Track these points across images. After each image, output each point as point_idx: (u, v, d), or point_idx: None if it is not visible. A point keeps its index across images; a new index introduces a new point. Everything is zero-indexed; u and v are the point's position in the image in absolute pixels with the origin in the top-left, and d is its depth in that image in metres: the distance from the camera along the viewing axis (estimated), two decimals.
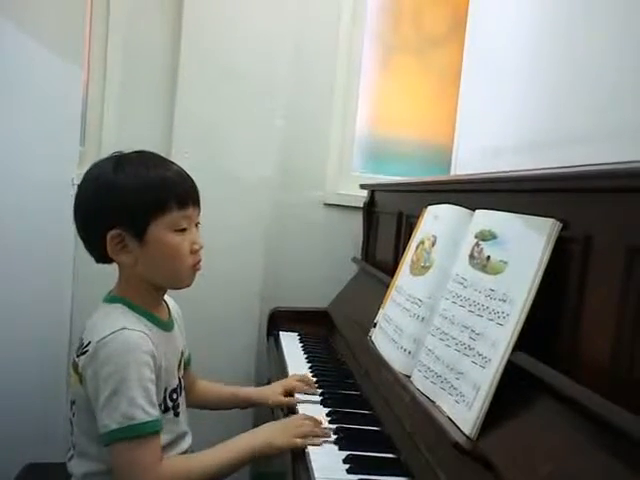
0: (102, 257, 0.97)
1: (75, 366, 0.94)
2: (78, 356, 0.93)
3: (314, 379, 1.29)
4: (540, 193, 0.89)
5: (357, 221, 1.92)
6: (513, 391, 0.79)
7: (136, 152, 0.99)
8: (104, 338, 0.89)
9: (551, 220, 0.81)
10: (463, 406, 0.85)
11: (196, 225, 1.00)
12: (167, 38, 1.96)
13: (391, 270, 1.42)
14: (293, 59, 2.00)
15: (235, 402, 1.25)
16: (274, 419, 1.14)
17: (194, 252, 0.98)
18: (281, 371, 1.39)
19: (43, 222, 1.72)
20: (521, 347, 0.80)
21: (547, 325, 0.81)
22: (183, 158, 1.82)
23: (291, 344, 1.61)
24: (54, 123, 1.74)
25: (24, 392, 1.61)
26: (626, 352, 0.67)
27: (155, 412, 0.90)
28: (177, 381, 1.02)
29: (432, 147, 2.23)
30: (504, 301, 0.85)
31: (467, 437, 0.81)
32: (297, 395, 1.21)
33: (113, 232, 0.93)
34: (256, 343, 1.98)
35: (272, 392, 1.23)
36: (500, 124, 1.72)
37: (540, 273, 0.80)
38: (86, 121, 1.96)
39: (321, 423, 1.03)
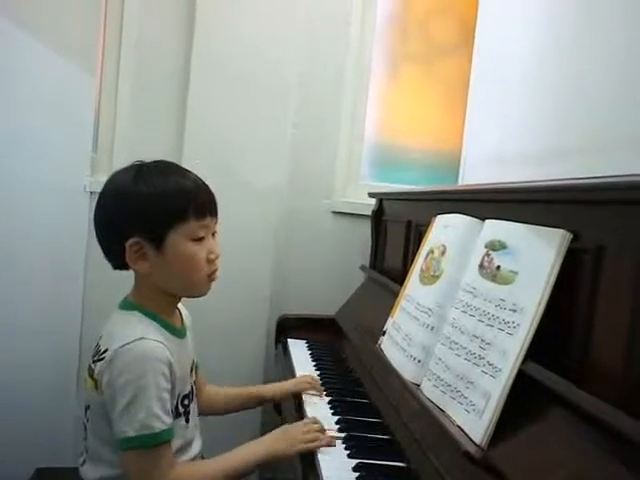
0: (120, 264, 0.98)
1: (91, 372, 0.95)
2: (94, 362, 0.95)
3: (322, 387, 1.29)
4: (550, 204, 0.90)
5: (365, 229, 1.93)
6: (524, 401, 0.79)
7: (155, 162, 1.01)
8: (123, 346, 0.90)
9: (561, 231, 0.81)
10: (473, 415, 0.85)
11: (213, 234, 1.01)
12: (179, 46, 1.98)
13: (399, 278, 1.42)
14: (303, 67, 2.02)
15: (245, 402, 1.27)
16: (282, 424, 1.15)
17: (211, 261, 0.99)
18: (290, 379, 1.40)
19: (56, 227, 1.74)
20: (532, 357, 0.80)
21: (558, 335, 0.81)
22: (193, 165, 1.83)
23: (299, 351, 1.61)
24: (67, 130, 1.76)
25: (34, 397, 1.63)
26: (637, 362, 0.67)
27: (170, 420, 0.92)
28: (189, 387, 1.03)
29: (440, 155, 2.24)
30: (514, 311, 0.85)
31: (477, 446, 0.81)
32: (304, 397, 1.23)
33: (132, 240, 0.94)
34: (264, 350, 1.99)
35: (282, 388, 1.26)
36: (508, 133, 1.73)
37: (550, 283, 0.81)
38: (98, 128, 1.98)
39: (325, 431, 1.04)
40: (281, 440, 1.00)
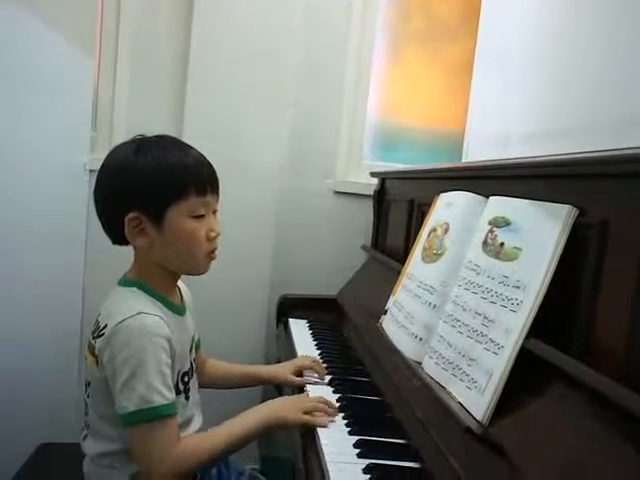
0: (119, 239, 0.97)
1: (91, 348, 0.95)
2: (94, 338, 0.94)
3: (324, 365, 1.29)
4: (555, 179, 0.89)
5: (367, 209, 1.92)
6: (526, 377, 0.79)
7: (157, 136, 0.99)
8: (121, 322, 0.90)
9: (567, 206, 0.80)
10: (475, 392, 0.85)
11: (214, 212, 1.00)
12: (178, 25, 1.95)
13: (401, 258, 1.42)
14: (304, 48, 1.99)
15: (245, 380, 1.26)
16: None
17: (210, 239, 0.97)
18: (291, 358, 1.39)
19: (56, 205, 1.73)
20: (535, 334, 0.80)
21: (562, 312, 0.80)
22: (193, 144, 1.82)
23: (301, 331, 1.61)
24: (66, 108, 1.75)
25: (37, 373, 1.64)
26: None
27: (171, 395, 0.91)
28: (189, 364, 1.02)
29: (443, 136, 2.22)
30: (518, 288, 0.84)
31: (479, 423, 0.81)
32: (307, 378, 1.22)
33: (131, 215, 0.93)
34: (265, 329, 1.99)
35: (283, 370, 1.25)
36: (512, 112, 1.71)
37: (555, 260, 0.80)
38: (97, 106, 1.96)
39: (330, 404, 1.04)
40: (288, 407, 1.01)
